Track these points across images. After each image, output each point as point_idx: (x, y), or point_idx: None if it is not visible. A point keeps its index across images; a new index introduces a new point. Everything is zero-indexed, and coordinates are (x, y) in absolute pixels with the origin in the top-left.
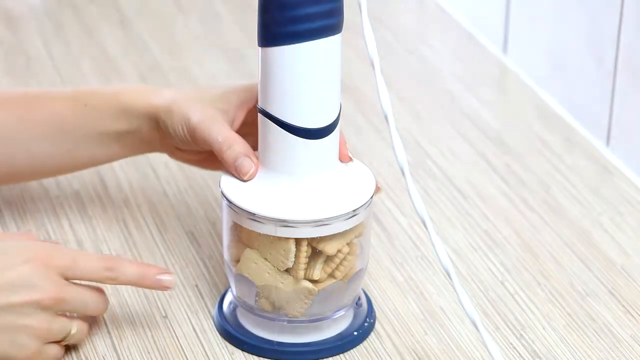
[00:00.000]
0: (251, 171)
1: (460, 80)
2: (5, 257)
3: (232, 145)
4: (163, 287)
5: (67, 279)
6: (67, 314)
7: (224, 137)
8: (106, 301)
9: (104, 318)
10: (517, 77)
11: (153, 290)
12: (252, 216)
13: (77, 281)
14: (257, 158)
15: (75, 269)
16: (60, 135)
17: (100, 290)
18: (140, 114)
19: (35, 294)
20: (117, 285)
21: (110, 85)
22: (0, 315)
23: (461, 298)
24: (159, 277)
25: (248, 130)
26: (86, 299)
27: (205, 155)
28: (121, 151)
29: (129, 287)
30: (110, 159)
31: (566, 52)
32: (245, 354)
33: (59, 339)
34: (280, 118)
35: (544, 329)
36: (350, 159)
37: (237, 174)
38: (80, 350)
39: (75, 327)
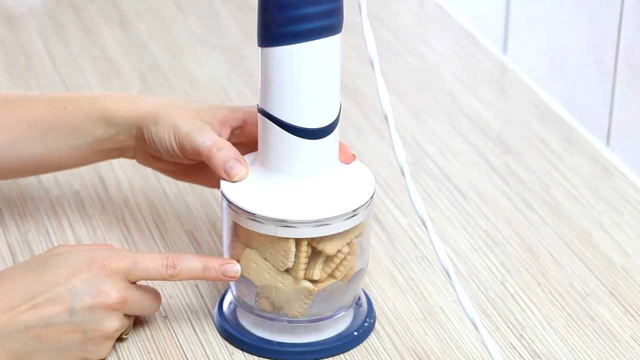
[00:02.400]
0: (242, 173)
1: (460, 80)
2: (67, 267)
3: (221, 148)
4: (227, 278)
5: (129, 281)
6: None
7: (212, 141)
8: (160, 300)
9: None
10: (517, 77)
11: None
12: (252, 216)
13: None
14: (246, 162)
15: (136, 271)
16: (34, 138)
17: (155, 291)
18: (121, 121)
19: (102, 298)
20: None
21: (90, 92)
22: (69, 320)
23: (461, 298)
24: (222, 267)
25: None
26: (145, 300)
27: (179, 167)
28: (91, 157)
29: None
30: (77, 165)
31: (566, 52)
32: (245, 354)
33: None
34: (280, 118)
35: (544, 329)
36: (354, 157)
37: (227, 176)
38: None
39: (130, 323)
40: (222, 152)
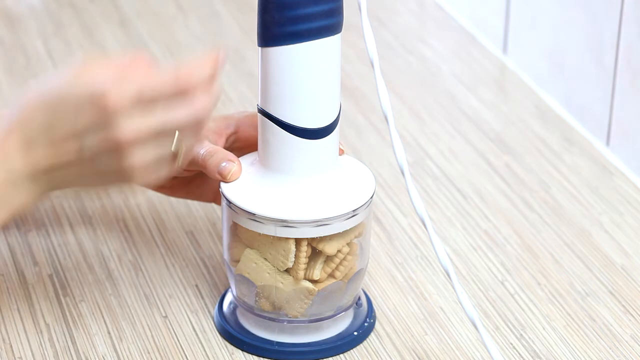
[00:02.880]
0: (233, 170)
1: (460, 80)
2: (78, 106)
3: (214, 154)
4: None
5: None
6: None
7: (207, 149)
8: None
9: (104, 318)
10: (517, 77)
11: (153, 291)
12: (252, 216)
13: None
14: (239, 161)
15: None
16: None
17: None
18: None
19: (113, 136)
20: (117, 285)
21: None
22: (81, 158)
23: (461, 298)
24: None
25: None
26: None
27: (176, 181)
28: None
29: (128, 288)
30: None
31: (566, 52)
32: (245, 354)
33: (167, 151)
34: (280, 118)
35: (544, 329)
36: (342, 151)
37: (220, 177)
38: (80, 350)
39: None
40: (215, 156)
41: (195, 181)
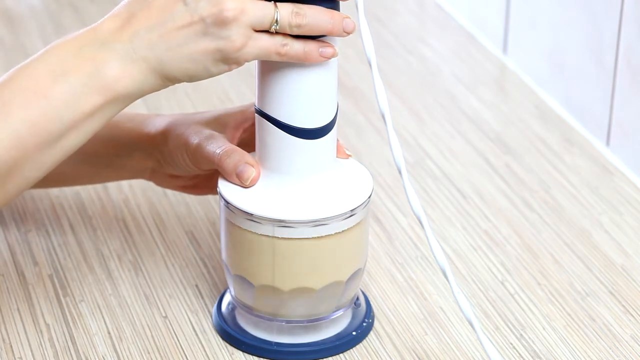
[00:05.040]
0: (252, 176)
1: (460, 80)
2: None
3: (231, 154)
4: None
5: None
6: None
7: (223, 148)
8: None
9: (104, 318)
10: (517, 77)
11: (153, 291)
12: (250, 216)
13: None
14: (257, 165)
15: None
16: None
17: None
18: (131, 144)
19: None
20: (117, 285)
21: None
22: (184, 11)
23: (456, 295)
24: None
25: (246, 149)
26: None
27: (198, 180)
28: (106, 175)
29: (128, 287)
30: (92, 181)
31: (566, 52)
32: (246, 354)
33: (262, 27)
34: (277, 118)
35: (544, 329)
36: (348, 155)
37: (238, 180)
38: (80, 350)
39: (280, 14)
40: (232, 158)
41: (216, 176)
